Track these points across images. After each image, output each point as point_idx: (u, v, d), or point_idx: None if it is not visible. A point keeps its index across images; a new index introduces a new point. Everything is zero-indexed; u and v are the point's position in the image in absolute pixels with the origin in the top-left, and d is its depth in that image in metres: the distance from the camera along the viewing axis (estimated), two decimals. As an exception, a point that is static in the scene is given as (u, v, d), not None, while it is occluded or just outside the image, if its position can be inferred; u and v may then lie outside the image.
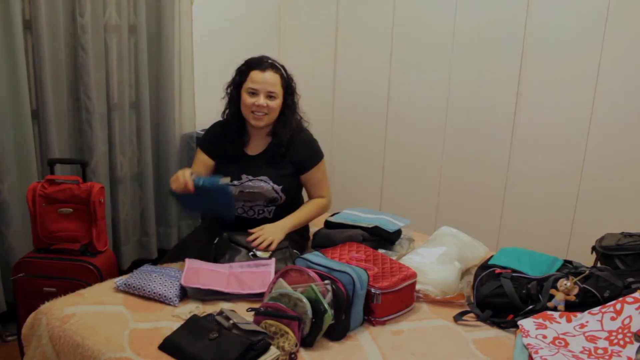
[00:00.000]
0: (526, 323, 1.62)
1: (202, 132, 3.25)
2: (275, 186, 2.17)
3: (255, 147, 2.23)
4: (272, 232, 2.08)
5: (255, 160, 2.21)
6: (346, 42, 3.58)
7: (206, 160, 2.24)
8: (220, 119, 2.32)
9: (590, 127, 2.82)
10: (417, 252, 2.08)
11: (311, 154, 2.24)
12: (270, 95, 2.11)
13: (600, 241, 2.15)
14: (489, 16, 3.01)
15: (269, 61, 2.17)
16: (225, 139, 2.22)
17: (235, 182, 2.18)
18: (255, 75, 2.12)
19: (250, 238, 2.06)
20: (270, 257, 2.02)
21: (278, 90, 2.13)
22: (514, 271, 1.87)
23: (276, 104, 2.13)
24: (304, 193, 2.39)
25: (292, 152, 2.20)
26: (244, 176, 2.18)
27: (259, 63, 2.14)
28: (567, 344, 1.55)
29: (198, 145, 2.30)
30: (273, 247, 2.03)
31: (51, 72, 2.57)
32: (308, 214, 2.23)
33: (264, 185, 2.16)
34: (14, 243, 2.54)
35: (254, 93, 2.11)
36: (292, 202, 2.25)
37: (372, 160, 3.61)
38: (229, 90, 2.23)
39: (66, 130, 2.70)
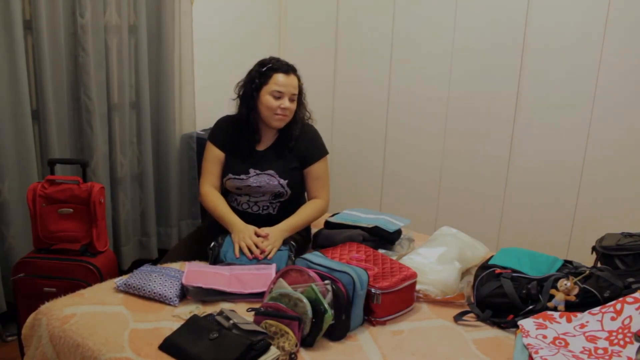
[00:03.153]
0: (526, 323, 1.62)
1: (202, 132, 3.27)
2: (282, 180, 2.18)
3: (264, 142, 2.25)
4: (273, 242, 2.07)
5: (263, 154, 2.23)
6: (346, 43, 3.58)
7: (218, 155, 2.26)
8: (225, 114, 2.34)
9: (590, 127, 2.83)
10: (417, 252, 2.08)
11: (316, 147, 2.27)
12: (292, 99, 2.18)
13: (601, 241, 2.14)
14: (490, 9, 3.01)
15: (290, 64, 2.23)
16: (238, 136, 2.23)
17: (243, 176, 2.19)
18: (281, 78, 2.16)
19: (251, 249, 2.05)
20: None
21: (297, 93, 2.21)
22: (514, 271, 1.87)
23: (295, 106, 2.21)
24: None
25: (298, 145, 2.23)
26: (251, 170, 2.20)
27: (282, 66, 2.19)
28: (567, 344, 1.55)
29: (208, 139, 2.29)
30: (271, 256, 2.03)
31: (51, 72, 2.57)
32: (306, 216, 2.22)
33: (270, 179, 2.18)
34: (14, 243, 2.54)
35: (279, 96, 2.15)
36: (296, 198, 2.27)
37: (372, 160, 3.61)
38: (241, 92, 2.24)
39: (66, 130, 2.70)
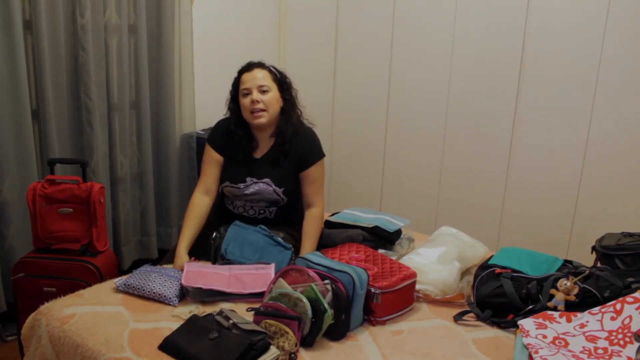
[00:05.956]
0: (526, 323, 1.62)
1: (202, 132, 3.27)
2: (277, 188, 2.17)
3: (261, 149, 2.23)
4: None
5: (260, 162, 2.21)
6: (346, 43, 3.58)
7: (217, 158, 2.24)
8: (223, 116, 2.33)
9: (590, 127, 2.82)
10: (417, 252, 2.08)
11: (313, 150, 2.23)
12: (262, 90, 2.13)
13: (600, 241, 2.15)
14: (489, 14, 3.01)
15: (256, 62, 2.21)
16: (234, 145, 2.22)
17: (241, 185, 2.19)
18: (244, 76, 2.16)
19: None
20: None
21: (269, 83, 2.15)
22: (514, 271, 1.87)
23: (270, 97, 2.14)
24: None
25: (294, 148, 2.20)
26: (248, 179, 2.19)
27: (246, 66, 2.20)
28: (567, 343, 1.55)
29: (207, 141, 2.28)
30: None
31: (51, 72, 2.57)
32: (316, 235, 2.19)
33: (266, 187, 2.17)
34: (14, 243, 2.54)
35: (247, 93, 2.13)
36: (293, 204, 2.25)
37: (372, 160, 3.61)
38: (230, 105, 2.25)
39: (66, 130, 2.70)
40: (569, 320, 1.63)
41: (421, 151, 3.39)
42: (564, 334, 1.59)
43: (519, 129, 3.03)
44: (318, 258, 1.82)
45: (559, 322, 1.63)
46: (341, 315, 1.64)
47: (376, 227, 2.17)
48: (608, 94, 2.75)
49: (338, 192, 3.79)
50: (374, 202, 3.62)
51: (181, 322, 1.64)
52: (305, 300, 1.59)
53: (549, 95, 2.91)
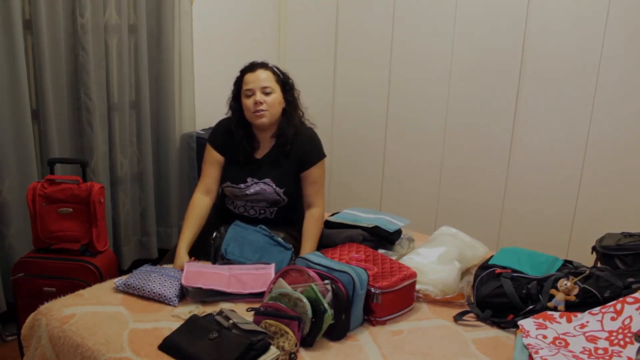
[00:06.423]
0: (526, 323, 1.62)
1: (202, 132, 3.27)
2: (278, 189, 2.17)
3: (262, 150, 2.23)
4: None
5: (261, 162, 2.21)
6: (346, 43, 3.58)
7: (218, 158, 2.24)
8: (224, 116, 2.33)
9: (590, 127, 2.82)
10: (417, 252, 2.08)
11: (314, 150, 2.23)
12: (265, 92, 2.13)
13: (601, 241, 2.15)
14: (489, 14, 3.01)
15: (259, 62, 2.21)
16: (235, 145, 2.22)
17: (241, 185, 2.18)
18: (248, 77, 2.15)
19: None
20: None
21: (272, 85, 2.14)
22: (514, 271, 1.87)
23: (273, 98, 2.14)
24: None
25: (295, 148, 2.19)
26: (249, 179, 2.18)
27: (249, 67, 2.19)
28: (567, 344, 1.55)
29: (208, 141, 2.27)
30: None
31: (51, 72, 2.57)
32: (316, 236, 2.19)
33: (267, 188, 2.17)
34: (14, 243, 2.54)
35: (250, 94, 2.13)
36: (293, 205, 2.25)
37: (372, 160, 3.61)
38: (230, 105, 2.24)
39: (66, 130, 2.71)
40: (569, 321, 1.63)
41: (421, 151, 3.39)
42: (564, 334, 1.59)
43: (519, 129, 3.03)
44: (318, 258, 1.82)
45: (559, 323, 1.63)
46: (341, 315, 1.64)
47: (376, 227, 2.17)
48: (608, 94, 2.75)
49: (338, 192, 3.79)
50: (374, 202, 3.62)
51: (181, 322, 1.64)
52: (305, 300, 1.59)
53: (549, 94, 2.91)
